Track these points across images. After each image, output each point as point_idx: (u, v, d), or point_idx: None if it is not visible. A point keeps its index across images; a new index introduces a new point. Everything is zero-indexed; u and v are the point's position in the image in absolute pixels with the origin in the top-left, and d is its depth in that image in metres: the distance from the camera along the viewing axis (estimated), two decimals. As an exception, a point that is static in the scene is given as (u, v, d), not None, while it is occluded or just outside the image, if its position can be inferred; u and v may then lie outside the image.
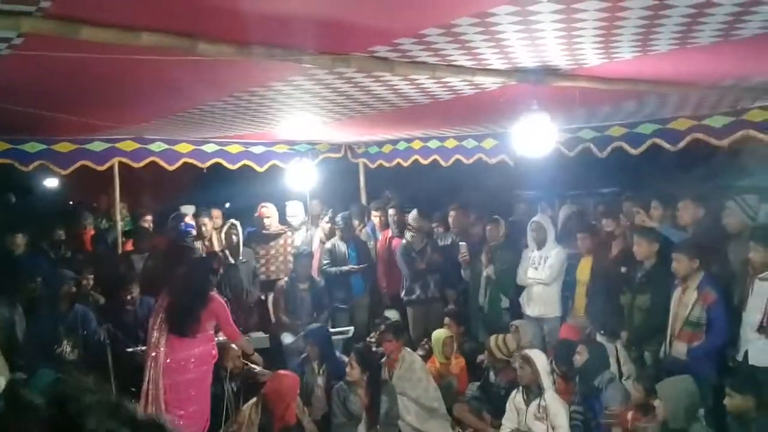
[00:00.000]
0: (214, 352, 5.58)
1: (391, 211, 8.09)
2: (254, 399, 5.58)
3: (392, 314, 7.45)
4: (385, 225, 8.13)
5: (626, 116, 6.08)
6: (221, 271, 6.65)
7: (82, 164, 6.62)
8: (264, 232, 7.80)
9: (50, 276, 6.29)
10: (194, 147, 7.15)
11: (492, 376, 6.24)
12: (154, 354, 5.27)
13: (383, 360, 6.18)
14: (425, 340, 7.00)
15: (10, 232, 6.89)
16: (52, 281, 6.18)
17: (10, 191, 10.21)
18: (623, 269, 6.07)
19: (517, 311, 7.02)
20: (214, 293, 5.70)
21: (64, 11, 2.70)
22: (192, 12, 2.79)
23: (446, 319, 7.02)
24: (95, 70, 3.60)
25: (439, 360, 6.58)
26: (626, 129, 6.30)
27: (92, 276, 6.43)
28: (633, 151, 6.24)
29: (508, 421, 5.74)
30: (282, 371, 5.89)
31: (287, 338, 7.04)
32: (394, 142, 8.01)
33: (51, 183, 10.60)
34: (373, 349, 6.40)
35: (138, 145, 6.84)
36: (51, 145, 6.43)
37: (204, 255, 6.11)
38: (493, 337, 6.26)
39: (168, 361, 5.27)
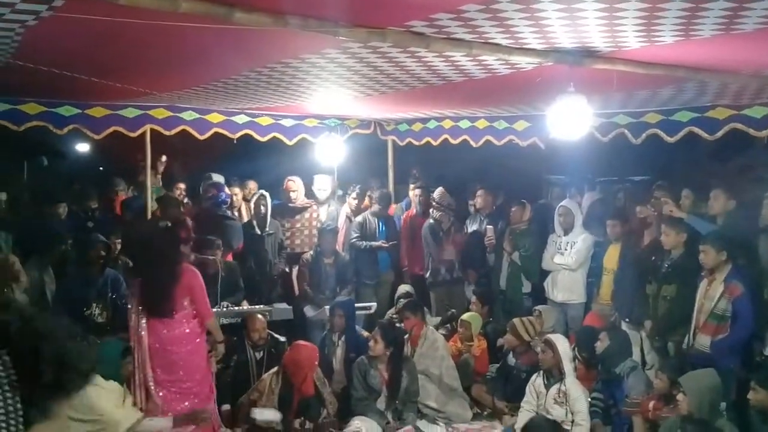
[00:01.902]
0: (200, 329, 5.14)
1: (417, 191, 8.07)
2: (275, 368, 5.64)
3: (407, 288, 7.46)
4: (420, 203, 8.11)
5: (663, 103, 5.96)
6: (191, 238, 5.73)
7: (115, 129, 6.67)
8: (290, 205, 7.84)
9: (80, 239, 6.41)
10: (225, 117, 7.18)
11: (511, 358, 6.24)
12: (136, 338, 4.95)
13: (406, 337, 6.21)
14: (448, 320, 7.00)
15: (43, 196, 7.00)
16: (82, 244, 6.30)
17: (42, 155, 10.36)
18: (652, 258, 6.00)
19: (538, 296, 7.00)
20: (188, 265, 5.18)
21: (105, -26, 2.72)
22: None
23: (473, 299, 7.02)
24: (132, 35, 3.61)
25: (474, 336, 6.57)
26: (662, 116, 6.18)
27: (120, 240, 6.53)
28: (669, 139, 6.12)
29: (527, 404, 5.75)
30: (301, 341, 5.87)
31: (310, 311, 7.09)
32: (425, 120, 7.96)
33: (82, 147, 10.73)
34: (396, 325, 6.41)
35: (170, 113, 6.87)
36: (85, 110, 6.49)
37: (168, 225, 5.52)
38: (517, 320, 6.25)
39: (151, 343, 4.92)
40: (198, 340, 5.09)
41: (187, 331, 5.01)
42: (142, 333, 4.92)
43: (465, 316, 6.74)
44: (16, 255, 6.28)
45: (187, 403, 4.95)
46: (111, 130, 6.66)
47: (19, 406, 1.49)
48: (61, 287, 6.19)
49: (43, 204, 7.29)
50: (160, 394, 4.88)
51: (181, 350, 4.96)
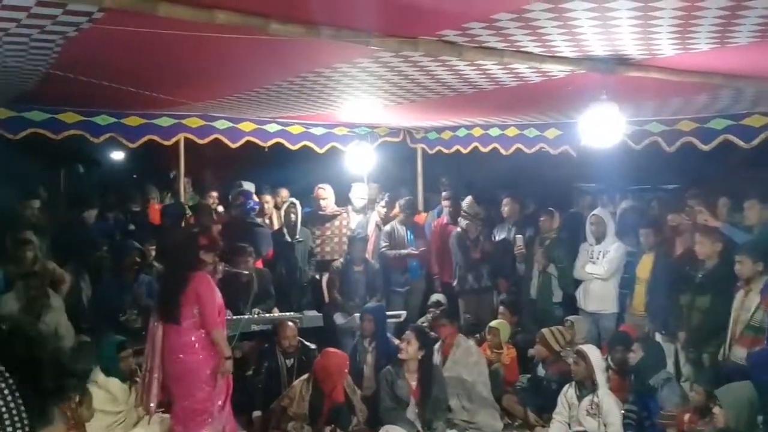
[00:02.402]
0: (208, 341, 4.89)
1: (445, 202, 8.07)
2: (306, 375, 5.67)
3: (439, 297, 7.46)
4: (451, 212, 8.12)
5: (697, 110, 5.89)
6: (216, 246, 5.48)
7: (150, 138, 6.81)
8: (320, 212, 7.89)
9: (116, 246, 6.54)
10: (257, 126, 7.27)
11: (541, 369, 6.18)
12: (151, 342, 4.89)
13: (437, 345, 6.19)
14: (477, 330, 6.97)
15: (79, 204, 7.15)
16: (117, 251, 6.42)
17: (78, 162, 10.58)
18: (683, 268, 5.91)
19: (569, 306, 6.93)
20: (200, 273, 4.94)
21: (144, -13, 2.78)
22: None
23: (501, 308, 6.98)
24: (169, 46, 3.68)
25: (503, 344, 6.54)
26: (697, 123, 6.10)
27: (154, 247, 6.64)
28: (704, 147, 6.04)
29: (559, 415, 5.68)
30: (331, 349, 5.86)
31: (339, 318, 7.12)
32: (454, 128, 7.97)
33: (117, 155, 10.94)
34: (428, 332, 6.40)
35: (203, 122, 6.99)
36: (121, 119, 6.63)
37: (193, 230, 5.44)
38: (546, 330, 6.20)
39: (164, 348, 4.84)
40: (204, 354, 4.86)
41: (193, 339, 4.84)
42: (156, 338, 4.86)
43: (493, 323, 6.71)
44: (52, 261, 6.44)
45: (199, 419, 4.82)
46: (146, 138, 6.79)
47: (24, 413, 1.39)
48: (97, 293, 6.31)
49: (79, 211, 7.45)
50: (174, 406, 4.86)
51: (186, 359, 4.81)
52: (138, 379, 5.05)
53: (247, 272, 6.12)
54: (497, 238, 7.70)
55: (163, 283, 4.96)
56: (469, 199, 7.65)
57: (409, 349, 5.69)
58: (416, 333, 5.82)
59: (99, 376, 5.06)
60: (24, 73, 4.55)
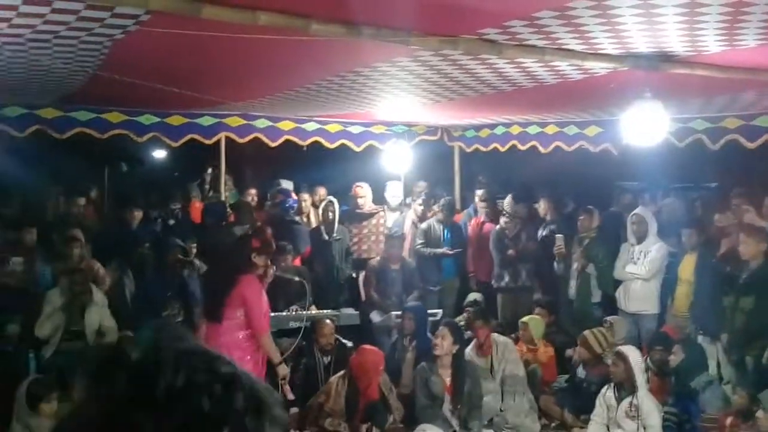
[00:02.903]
0: (247, 344, 4.89)
1: (482, 203, 8.03)
2: (342, 372, 5.71)
3: (476, 296, 7.43)
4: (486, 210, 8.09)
5: (743, 107, 5.76)
6: (269, 249, 5.29)
7: (192, 137, 6.92)
8: (357, 211, 7.92)
9: (159, 243, 6.67)
10: (296, 125, 7.33)
11: (581, 370, 6.12)
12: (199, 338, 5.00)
13: (471, 345, 6.17)
14: (514, 329, 6.93)
15: (124, 203, 7.30)
16: (160, 248, 6.55)
17: (122, 160, 10.79)
18: (728, 268, 5.80)
19: (608, 306, 6.83)
20: (248, 276, 4.94)
21: (189, -10, 2.83)
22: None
23: (537, 309, 6.93)
24: (211, 47, 3.74)
25: (536, 340, 6.50)
26: (742, 121, 5.96)
27: (196, 245, 6.75)
28: (749, 145, 5.90)
29: (598, 417, 5.62)
30: (367, 346, 5.88)
31: (376, 316, 7.14)
32: (492, 126, 7.91)
33: (159, 153, 11.12)
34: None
35: (243, 121, 7.07)
36: (164, 118, 6.75)
37: (247, 232, 5.37)
38: (588, 332, 6.12)
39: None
40: (245, 355, 4.82)
41: (233, 341, 4.82)
42: (201, 336, 4.84)
43: (524, 318, 6.69)
44: (96, 257, 6.60)
45: None
46: (188, 137, 6.90)
47: None
48: (140, 289, 6.45)
49: (122, 208, 7.62)
50: None
51: None
52: None
53: (298, 278, 6.14)
54: (525, 237, 7.63)
55: (208, 282, 5.00)
56: (508, 198, 7.60)
57: (444, 344, 5.69)
58: (450, 328, 5.82)
59: None
60: (72, 74, 4.67)
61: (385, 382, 5.72)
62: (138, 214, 7.20)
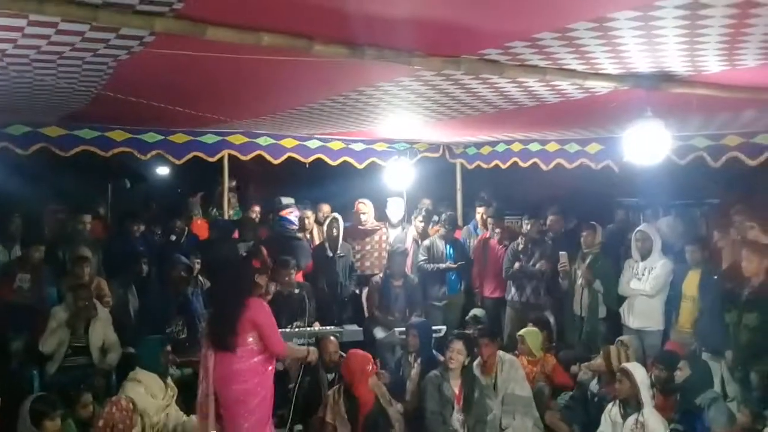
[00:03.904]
0: (263, 367, 4.77)
1: (489, 220, 8.06)
2: (338, 385, 5.73)
3: (478, 312, 7.41)
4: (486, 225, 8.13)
5: (744, 125, 5.78)
6: (267, 267, 5.59)
7: (195, 155, 6.96)
8: (360, 227, 7.94)
9: (162, 259, 6.69)
10: (298, 142, 7.38)
11: (595, 385, 6.08)
12: (204, 369, 4.73)
13: (476, 361, 6.16)
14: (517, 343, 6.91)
15: (127, 220, 7.34)
16: (163, 264, 6.57)
17: (125, 178, 10.84)
18: (729, 285, 5.79)
19: (614, 322, 6.82)
20: (255, 299, 4.87)
21: (193, 12, 2.86)
22: (309, 14, 2.89)
23: (529, 325, 6.89)
24: (215, 68, 3.78)
25: (535, 352, 6.49)
26: (743, 139, 5.99)
27: (199, 261, 6.77)
28: (750, 162, 5.93)
29: (603, 434, 5.60)
30: (355, 350, 5.88)
31: (380, 332, 7.13)
32: (494, 143, 7.95)
33: (162, 171, 11.17)
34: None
35: (246, 139, 7.13)
36: (167, 136, 6.80)
37: (244, 253, 5.28)
38: (613, 347, 6.06)
39: (216, 377, 4.67)
40: (258, 379, 4.74)
41: (247, 367, 4.70)
42: (209, 363, 4.70)
43: (521, 331, 6.67)
44: (101, 273, 6.61)
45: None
46: (191, 155, 6.95)
47: None
48: (144, 305, 6.46)
49: (126, 225, 7.64)
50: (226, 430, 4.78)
51: (240, 387, 4.66)
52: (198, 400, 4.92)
53: (298, 290, 6.14)
54: (538, 254, 7.63)
55: (216, 310, 4.84)
56: (527, 217, 7.62)
57: (459, 357, 5.74)
58: (464, 341, 5.85)
59: (139, 373, 5.21)
60: (76, 93, 4.70)
61: (383, 394, 5.72)
62: (141, 231, 7.22)
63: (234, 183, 8.55)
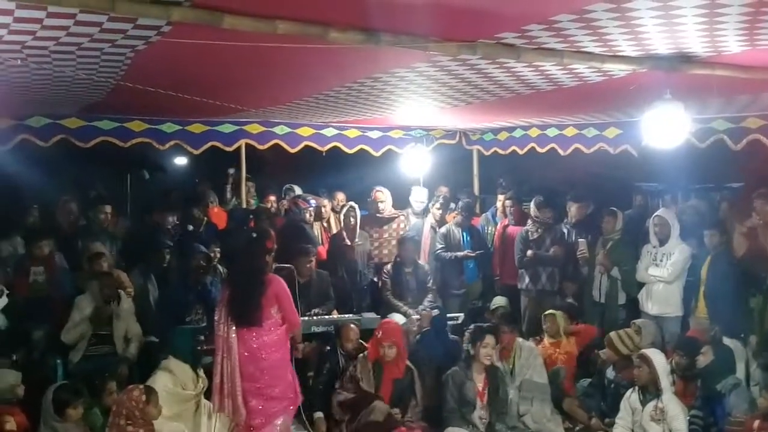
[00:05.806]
0: (285, 337, 5.19)
1: (507, 202, 8.01)
2: (361, 355, 5.83)
3: (501, 301, 7.39)
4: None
5: (765, 107, 5.69)
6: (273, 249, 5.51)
7: (212, 144, 7.00)
8: (377, 215, 7.94)
9: (181, 249, 6.74)
10: (315, 131, 7.39)
11: (611, 372, 6.07)
12: (225, 347, 4.99)
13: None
14: (537, 332, 6.90)
15: (145, 208, 7.38)
16: (183, 254, 6.62)
17: (144, 168, 10.91)
18: (753, 270, 5.73)
19: (633, 308, 6.78)
20: (273, 275, 5.25)
21: (209, 1, 2.87)
22: (324, 1, 2.89)
23: (559, 312, 6.88)
24: (232, 56, 3.78)
25: (562, 331, 6.50)
26: (764, 121, 5.91)
27: (218, 249, 6.81)
28: (771, 144, 5.84)
29: (622, 420, 5.58)
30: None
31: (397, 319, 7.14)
32: (511, 129, 7.90)
33: (180, 161, 11.23)
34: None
35: (263, 128, 7.15)
36: (185, 126, 6.85)
37: (254, 235, 5.50)
38: (614, 333, 6.08)
39: (240, 352, 4.97)
40: (284, 348, 5.17)
41: (276, 338, 5.08)
42: (232, 343, 4.98)
43: (550, 311, 6.68)
44: (121, 264, 6.67)
45: (279, 408, 5.07)
46: (209, 145, 6.99)
47: None
48: (164, 295, 6.52)
49: (145, 215, 7.70)
50: (251, 403, 4.97)
51: (270, 357, 5.02)
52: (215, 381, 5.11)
53: (287, 266, 6.15)
54: (549, 240, 7.57)
55: (240, 289, 5.08)
56: (534, 201, 7.56)
57: (492, 352, 5.72)
58: (495, 335, 5.82)
59: (171, 362, 5.25)
60: (95, 84, 4.74)
61: (409, 367, 5.77)
62: (159, 221, 7.27)
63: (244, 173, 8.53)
